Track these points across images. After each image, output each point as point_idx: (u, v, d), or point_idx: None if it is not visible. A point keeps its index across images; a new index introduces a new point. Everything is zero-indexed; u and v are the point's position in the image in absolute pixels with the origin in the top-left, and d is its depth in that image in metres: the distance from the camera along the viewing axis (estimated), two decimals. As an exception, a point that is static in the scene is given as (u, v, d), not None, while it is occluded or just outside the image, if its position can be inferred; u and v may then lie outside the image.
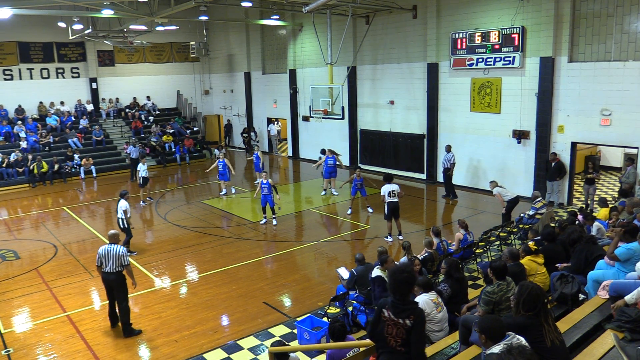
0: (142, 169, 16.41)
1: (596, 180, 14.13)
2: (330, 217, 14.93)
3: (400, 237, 12.25)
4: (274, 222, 13.96)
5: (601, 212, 10.33)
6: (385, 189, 12.15)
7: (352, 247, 12.32)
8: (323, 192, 17.21)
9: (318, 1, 15.42)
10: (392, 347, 4.43)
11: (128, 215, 11.61)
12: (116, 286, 7.99)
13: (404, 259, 8.72)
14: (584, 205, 14.01)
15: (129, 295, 8.29)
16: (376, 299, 7.34)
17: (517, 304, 4.52)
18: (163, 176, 21.68)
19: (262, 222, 14.04)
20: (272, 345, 5.80)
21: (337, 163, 16.78)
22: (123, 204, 11.56)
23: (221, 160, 17.16)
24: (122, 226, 11.54)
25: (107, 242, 8.19)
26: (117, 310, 8.18)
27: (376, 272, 7.47)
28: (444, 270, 7.03)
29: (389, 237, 12.38)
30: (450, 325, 6.27)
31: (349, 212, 14.83)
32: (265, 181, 13.53)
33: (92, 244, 12.74)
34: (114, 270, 7.90)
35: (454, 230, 11.84)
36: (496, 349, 4.02)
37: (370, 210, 14.50)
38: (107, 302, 8.34)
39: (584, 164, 18.96)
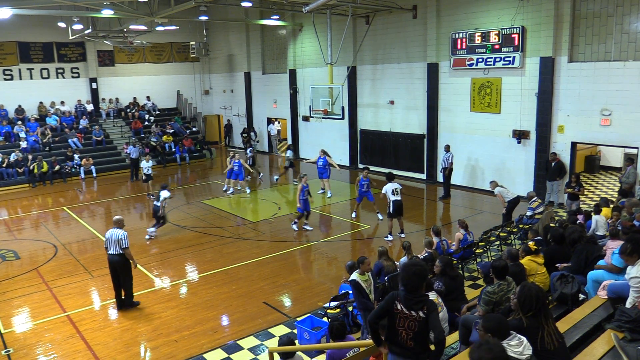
0: (146, 167, 16.60)
1: (580, 196, 13.19)
2: (330, 217, 14.93)
3: (402, 236, 12.27)
4: (308, 227, 13.50)
5: (603, 212, 10.29)
6: (388, 187, 12.16)
7: (351, 247, 12.32)
8: (320, 191, 17.24)
9: (318, 1, 15.42)
10: (402, 340, 4.44)
11: (165, 204, 12.85)
12: (120, 267, 8.73)
13: (404, 259, 8.72)
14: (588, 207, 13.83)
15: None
16: (356, 303, 7.33)
17: (516, 305, 4.53)
18: (163, 176, 21.62)
19: (309, 228, 13.49)
20: (280, 339, 5.78)
21: (329, 163, 16.71)
22: (166, 194, 12.78)
23: (237, 161, 17.17)
24: (160, 214, 12.82)
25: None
26: (122, 290, 8.88)
27: (353, 275, 7.41)
28: (438, 269, 7.07)
29: (389, 236, 12.36)
30: (450, 325, 6.28)
31: (353, 215, 14.50)
32: (305, 184, 13.20)
33: (92, 244, 12.76)
34: (117, 252, 8.66)
35: (453, 230, 11.84)
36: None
37: (380, 217, 14.04)
38: (114, 290, 9.00)
39: (584, 163, 18.98)
